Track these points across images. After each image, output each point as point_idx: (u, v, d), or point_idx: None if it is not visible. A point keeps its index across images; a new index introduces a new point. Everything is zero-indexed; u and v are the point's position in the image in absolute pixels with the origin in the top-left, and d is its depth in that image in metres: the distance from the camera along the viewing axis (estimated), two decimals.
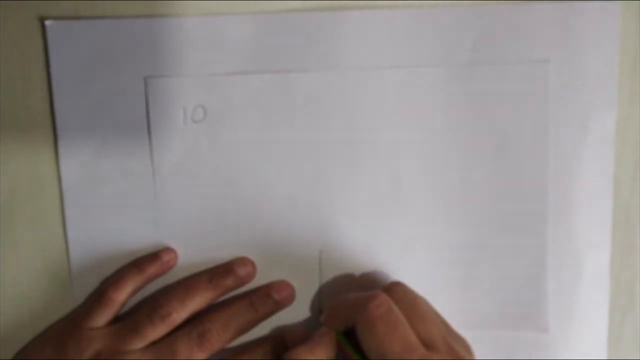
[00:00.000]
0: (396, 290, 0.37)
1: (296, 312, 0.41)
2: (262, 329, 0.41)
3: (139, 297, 0.41)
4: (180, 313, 0.39)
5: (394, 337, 0.33)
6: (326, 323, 0.38)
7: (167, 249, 0.41)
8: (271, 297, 0.40)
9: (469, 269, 0.41)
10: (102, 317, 0.39)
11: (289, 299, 0.41)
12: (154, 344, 0.38)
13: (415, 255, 0.41)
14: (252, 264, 0.41)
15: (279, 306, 0.40)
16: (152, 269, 0.40)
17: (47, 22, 0.39)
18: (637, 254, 0.42)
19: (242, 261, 0.41)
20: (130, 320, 0.39)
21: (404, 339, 0.33)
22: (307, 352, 0.36)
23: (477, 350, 0.37)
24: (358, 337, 0.35)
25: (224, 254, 0.41)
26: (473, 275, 0.41)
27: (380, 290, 0.37)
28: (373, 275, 0.41)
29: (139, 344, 0.38)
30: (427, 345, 0.34)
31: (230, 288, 0.40)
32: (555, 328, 0.42)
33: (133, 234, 0.41)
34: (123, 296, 0.39)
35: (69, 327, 0.39)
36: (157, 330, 0.38)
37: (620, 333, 0.42)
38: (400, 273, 0.41)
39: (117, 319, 0.40)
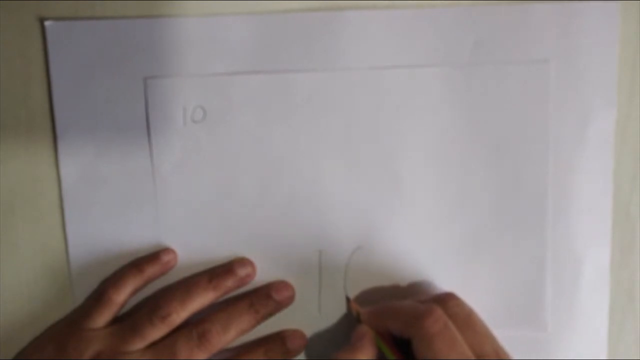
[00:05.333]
0: (450, 305, 0.37)
1: (296, 312, 0.41)
2: (262, 329, 0.41)
3: (138, 297, 0.41)
4: (180, 314, 0.39)
5: (452, 354, 0.34)
6: (368, 322, 0.38)
7: (167, 250, 0.41)
8: (271, 297, 0.40)
9: (469, 269, 0.41)
10: (102, 318, 0.39)
11: (289, 299, 0.41)
12: (153, 344, 0.38)
13: (415, 255, 0.41)
14: (252, 264, 0.41)
15: (279, 307, 0.40)
16: (151, 270, 0.40)
17: (47, 23, 0.39)
18: (637, 253, 0.42)
19: (242, 262, 0.41)
20: (130, 320, 0.39)
21: (462, 356, 0.34)
22: (348, 354, 0.36)
23: None
24: (413, 350, 0.35)
25: (224, 254, 0.41)
26: (473, 275, 0.41)
27: (433, 302, 0.37)
28: (373, 275, 0.41)
29: (139, 344, 0.38)
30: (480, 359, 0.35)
31: (230, 288, 0.40)
32: (555, 328, 0.42)
33: (133, 234, 0.41)
34: (123, 297, 0.40)
35: (68, 328, 0.39)
36: (157, 331, 0.38)
37: (620, 333, 0.42)
38: (400, 273, 0.41)
39: (117, 320, 0.40)
